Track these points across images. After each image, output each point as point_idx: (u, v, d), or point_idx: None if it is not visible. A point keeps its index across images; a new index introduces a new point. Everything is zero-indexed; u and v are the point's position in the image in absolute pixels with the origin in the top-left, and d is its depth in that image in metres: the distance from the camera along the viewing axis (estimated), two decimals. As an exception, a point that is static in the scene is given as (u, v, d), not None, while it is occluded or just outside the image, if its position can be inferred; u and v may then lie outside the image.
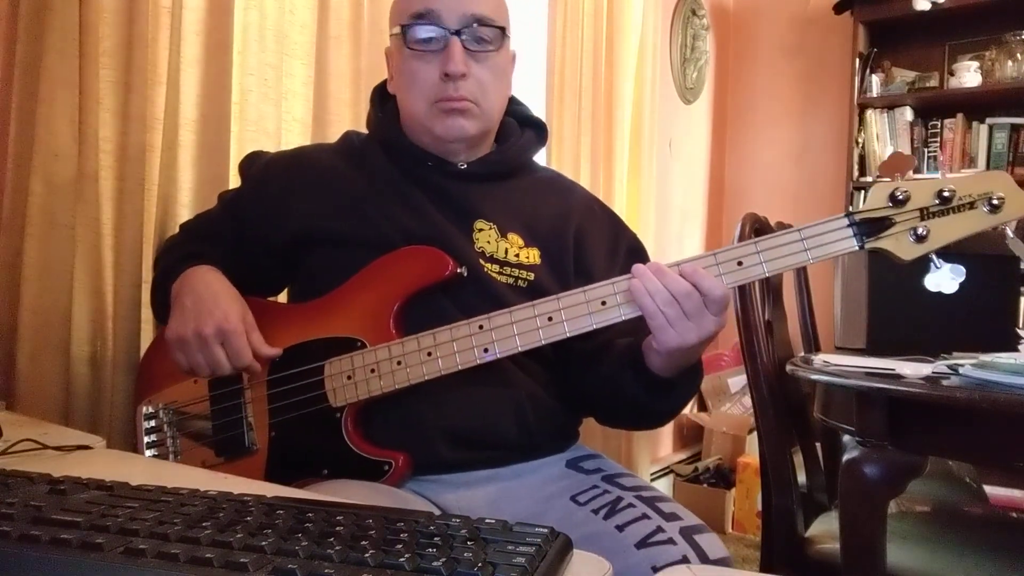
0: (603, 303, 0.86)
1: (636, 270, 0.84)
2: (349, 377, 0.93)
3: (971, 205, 0.81)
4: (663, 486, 2.87)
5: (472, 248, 0.99)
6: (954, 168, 2.92)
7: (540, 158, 1.17)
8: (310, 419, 0.95)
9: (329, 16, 1.48)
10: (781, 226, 1.58)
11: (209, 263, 1.04)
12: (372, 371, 0.92)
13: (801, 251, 0.83)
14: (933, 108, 3.01)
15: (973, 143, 2.92)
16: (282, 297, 1.19)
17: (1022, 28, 2.81)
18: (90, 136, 1.14)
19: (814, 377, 1.17)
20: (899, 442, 1.04)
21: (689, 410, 3.05)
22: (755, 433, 1.95)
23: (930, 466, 1.07)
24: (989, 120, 2.88)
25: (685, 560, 0.80)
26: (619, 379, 0.95)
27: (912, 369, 1.07)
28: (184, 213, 1.25)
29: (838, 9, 3.06)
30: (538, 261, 1.02)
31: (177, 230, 1.19)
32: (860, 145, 3.04)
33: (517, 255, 1.01)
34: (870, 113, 3.03)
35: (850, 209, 0.86)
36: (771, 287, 1.58)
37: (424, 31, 0.97)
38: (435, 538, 0.47)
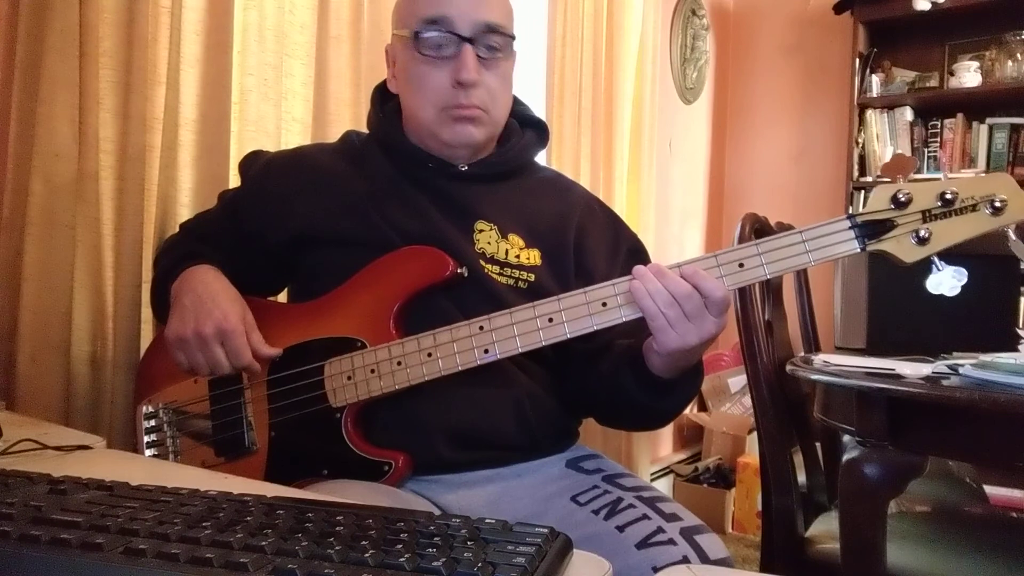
0: (604, 304, 0.86)
1: (637, 271, 0.84)
2: (349, 377, 0.93)
3: (973, 207, 0.81)
4: (663, 486, 2.87)
5: (472, 249, 0.99)
6: (954, 168, 2.92)
7: (540, 158, 1.17)
8: (310, 419, 0.94)
9: (329, 16, 1.48)
10: (781, 226, 1.58)
11: (209, 263, 1.04)
12: (372, 371, 0.92)
13: (803, 253, 0.83)
14: (933, 108, 3.01)
15: (973, 143, 2.92)
16: (282, 297, 1.19)
17: (1022, 28, 2.81)
18: (90, 136, 1.14)
19: (814, 377, 1.17)
20: (899, 442, 1.04)
21: (689, 410, 3.05)
22: (755, 433, 1.95)
23: (930, 466, 1.07)
24: (989, 120, 2.88)
25: (686, 561, 0.80)
26: (619, 380, 0.95)
27: (912, 369, 1.07)
28: (184, 213, 1.25)
29: (838, 9, 3.06)
30: (538, 262, 1.01)
31: (177, 230, 1.19)
32: (860, 145, 3.04)
33: (518, 256, 1.01)
34: (870, 113, 3.03)
35: (851, 211, 0.86)
36: (771, 287, 1.58)
37: (437, 37, 0.96)
38: (435, 538, 0.47)
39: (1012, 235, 1.05)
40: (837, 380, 1.10)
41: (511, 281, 0.99)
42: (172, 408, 1.03)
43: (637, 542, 0.82)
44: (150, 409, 1.03)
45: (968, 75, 2.88)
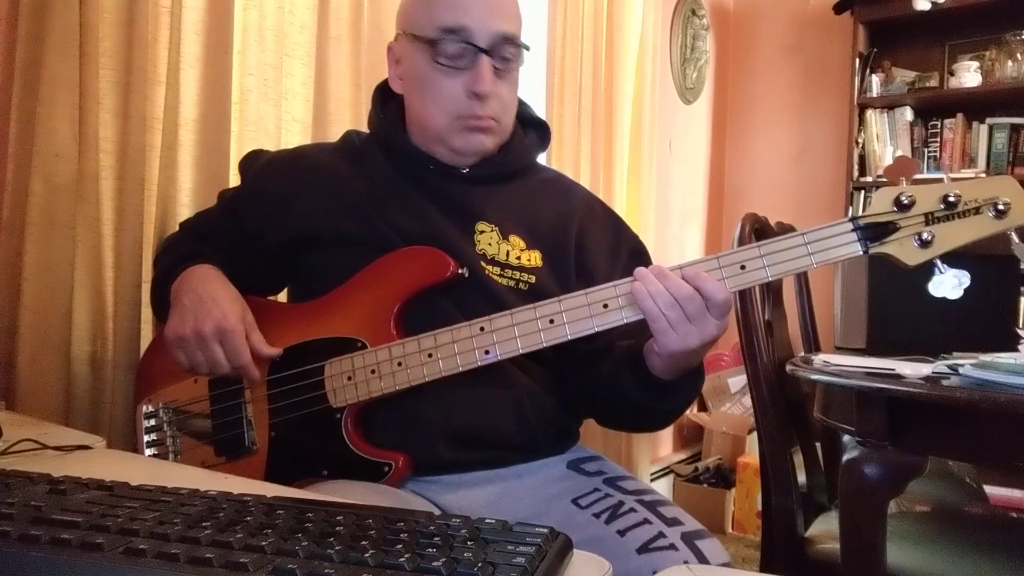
0: (605, 305, 0.86)
1: (638, 273, 0.83)
2: (349, 378, 0.93)
3: (976, 210, 0.80)
4: (663, 486, 2.87)
5: (473, 250, 0.99)
6: (954, 168, 2.92)
7: (540, 158, 1.17)
8: (310, 419, 0.94)
9: (329, 16, 1.48)
10: (781, 226, 1.58)
11: (209, 262, 1.04)
12: (372, 372, 0.92)
13: (805, 255, 0.83)
14: (933, 108, 3.01)
15: (973, 143, 2.92)
16: (282, 297, 1.19)
17: (1022, 28, 2.81)
18: (90, 136, 1.14)
19: (814, 377, 1.17)
20: (899, 442, 1.04)
21: (689, 410, 3.04)
22: (755, 433, 1.95)
23: (930, 466, 1.07)
24: (989, 120, 2.88)
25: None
26: (619, 381, 0.94)
27: (912, 369, 1.07)
28: (184, 213, 1.25)
29: (838, 9, 3.06)
30: (539, 263, 1.01)
31: (177, 229, 1.19)
32: (860, 145, 3.04)
33: (518, 257, 1.01)
34: (870, 113, 3.03)
35: (851, 211, 0.86)
36: (771, 287, 1.58)
37: (454, 47, 0.96)
38: (435, 538, 0.47)
39: (1015, 238, 1.05)
40: (837, 380, 1.10)
41: (512, 283, 0.99)
42: (172, 408, 1.03)
43: (638, 547, 0.82)
44: (150, 409, 1.03)
45: (968, 75, 2.88)
